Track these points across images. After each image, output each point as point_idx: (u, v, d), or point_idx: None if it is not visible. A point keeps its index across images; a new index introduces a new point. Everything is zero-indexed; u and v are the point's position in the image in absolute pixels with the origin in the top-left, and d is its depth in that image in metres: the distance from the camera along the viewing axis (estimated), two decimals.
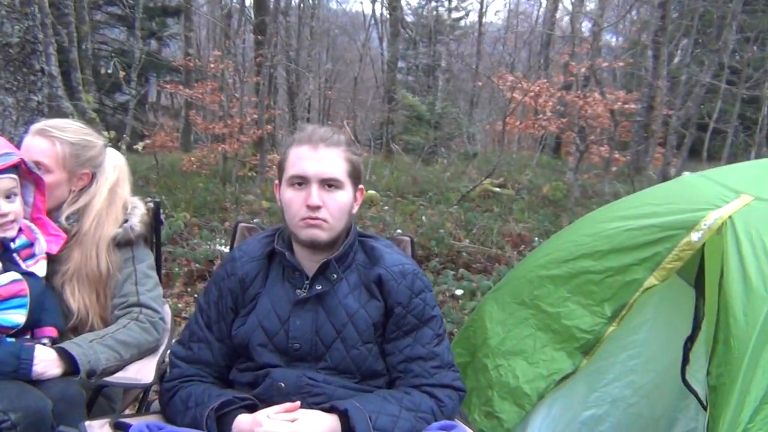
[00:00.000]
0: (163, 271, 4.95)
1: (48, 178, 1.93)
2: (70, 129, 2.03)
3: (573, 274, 2.21)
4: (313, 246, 1.69)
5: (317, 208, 1.64)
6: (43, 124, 2.00)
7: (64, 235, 1.90)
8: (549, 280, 2.27)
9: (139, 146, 7.62)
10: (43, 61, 4.64)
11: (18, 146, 1.95)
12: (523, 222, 7.71)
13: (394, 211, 7.91)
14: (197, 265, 5.12)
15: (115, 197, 2.06)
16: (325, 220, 1.66)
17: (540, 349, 2.21)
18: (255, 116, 11.12)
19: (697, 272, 2.24)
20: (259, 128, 10.65)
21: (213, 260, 5.13)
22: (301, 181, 1.67)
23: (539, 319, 2.25)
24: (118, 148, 7.28)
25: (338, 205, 1.68)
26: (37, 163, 1.92)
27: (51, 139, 1.96)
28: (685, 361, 2.29)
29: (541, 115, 11.54)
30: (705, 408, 1.86)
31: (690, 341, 2.27)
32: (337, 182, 1.68)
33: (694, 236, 1.94)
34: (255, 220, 6.83)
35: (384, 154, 16.52)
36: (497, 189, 10.20)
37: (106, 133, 6.79)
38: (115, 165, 2.12)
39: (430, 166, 15.59)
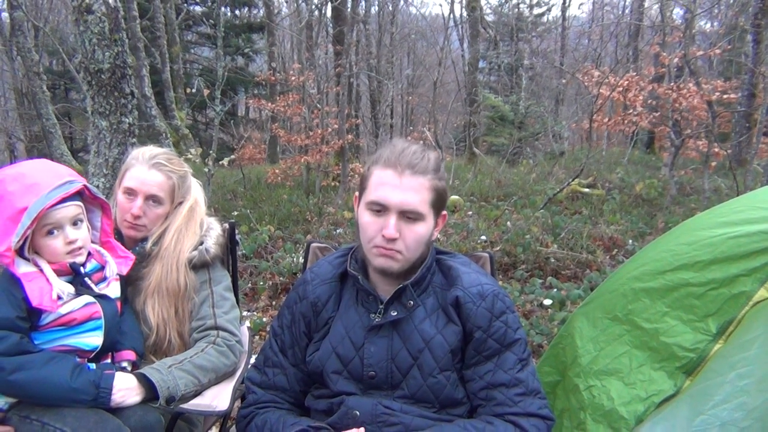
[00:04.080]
0: (248, 285, 5.09)
1: (159, 210, 2.04)
2: (175, 161, 2.11)
3: (671, 287, 2.03)
4: (384, 274, 1.64)
5: (393, 239, 1.58)
6: (154, 156, 2.06)
7: (133, 257, 1.94)
8: (644, 294, 2.10)
9: (225, 161, 7.84)
10: (132, 84, 4.84)
11: (112, 167, 2.04)
12: (615, 224, 7.40)
13: (477, 217, 7.77)
14: (281, 278, 5.18)
15: (193, 214, 2.11)
16: (399, 252, 1.60)
17: (637, 368, 2.05)
18: (336, 126, 11.23)
19: None
20: (340, 138, 10.75)
21: (296, 273, 5.17)
22: (380, 208, 1.60)
23: (635, 336, 2.09)
24: (205, 164, 7.54)
25: (416, 237, 1.61)
26: (154, 197, 2.02)
27: (167, 174, 2.04)
28: None
29: (631, 111, 11.03)
30: None
31: None
32: (418, 215, 1.60)
33: None
34: (337, 231, 6.89)
35: (467, 157, 16.34)
36: (586, 189, 9.86)
37: (193, 151, 7.03)
38: (193, 188, 2.18)
39: (515, 167, 15.27)
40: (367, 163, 1.72)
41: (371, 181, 1.63)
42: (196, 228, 2.08)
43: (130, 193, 2.01)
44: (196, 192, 2.16)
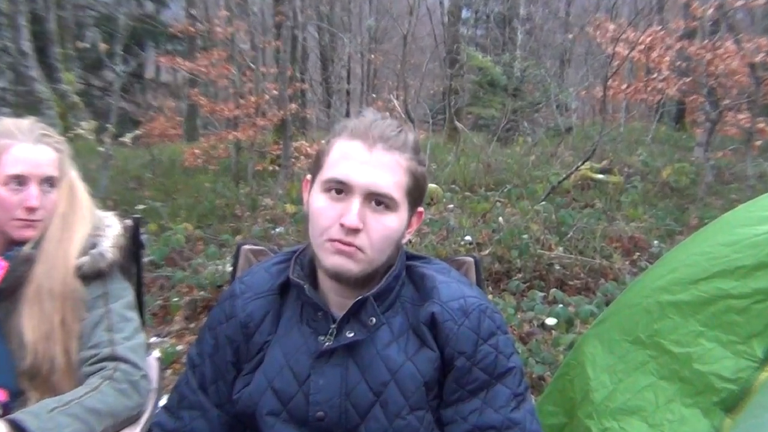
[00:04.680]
0: (158, 302, 5.04)
1: (54, 195, 2.01)
2: (51, 129, 2.08)
3: (707, 300, 2.07)
4: (338, 279, 1.61)
5: (355, 231, 1.55)
6: (32, 128, 2.02)
7: (4, 264, 1.90)
8: (674, 309, 2.13)
9: (128, 138, 7.72)
10: (7, 37, 4.72)
11: None
12: (637, 220, 7.51)
13: (460, 211, 7.81)
14: (202, 292, 5.15)
15: (75, 192, 2.08)
16: (361, 249, 1.57)
17: (664, 405, 2.08)
18: (276, 92, 11.17)
19: None
20: (280, 108, 10.70)
21: (222, 285, 5.14)
22: (340, 188, 1.57)
23: (662, 364, 2.12)
24: (102, 141, 7.43)
25: (384, 233, 1.58)
26: (50, 179, 2.00)
27: (55, 147, 2.02)
28: None
29: (655, 75, 11.22)
30: None
31: None
32: (390, 201, 1.58)
33: None
34: (277, 230, 6.86)
35: (447, 134, 16.46)
36: (600, 176, 10.00)
37: (85, 124, 6.92)
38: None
39: (509, 147, 15.43)
40: (327, 137, 1.69)
41: (331, 156, 1.61)
42: (83, 211, 2.06)
43: (19, 181, 1.96)
44: (71, 166, 2.14)
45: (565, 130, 16.03)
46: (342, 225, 1.54)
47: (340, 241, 1.55)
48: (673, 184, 9.99)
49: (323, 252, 1.59)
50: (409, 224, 1.68)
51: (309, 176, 1.69)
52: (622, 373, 2.18)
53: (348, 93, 22.71)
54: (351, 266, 1.57)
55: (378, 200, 1.57)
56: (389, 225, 1.59)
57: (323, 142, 1.69)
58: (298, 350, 1.67)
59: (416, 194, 1.65)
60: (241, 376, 1.72)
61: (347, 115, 18.97)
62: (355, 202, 1.54)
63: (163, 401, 1.95)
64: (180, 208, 8.06)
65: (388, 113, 1.71)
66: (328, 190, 1.58)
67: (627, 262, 6.02)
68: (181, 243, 6.03)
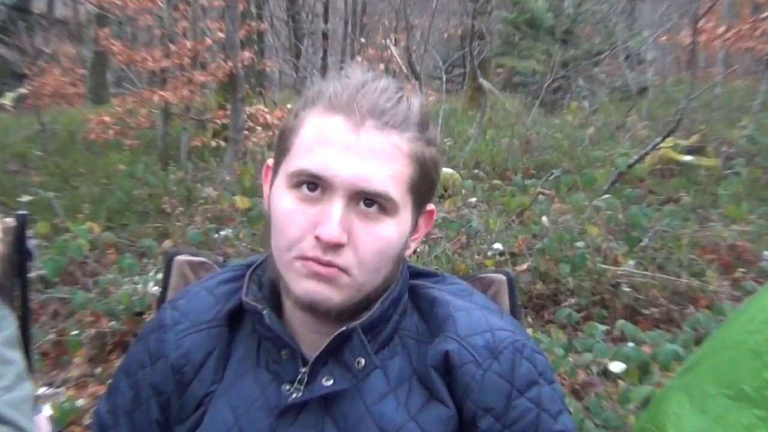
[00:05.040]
0: (51, 336, 5.03)
1: None
2: None
3: None
4: (313, 310, 1.57)
5: (336, 246, 1.51)
6: None
7: None
8: None
9: (7, 100, 7.74)
10: None
11: None
12: (741, 222, 7.51)
13: (488, 208, 7.81)
14: (114, 322, 5.17)
15: None
16: (345, 271, 1.53)
17: None
18: (222, 35, 11.18)
19: None
20: (228, 57, 10.70)
21: (144, 313, 5.15)
22: (315, 184, 1.52)
23: None
24: None
25: (377, 246, 1.55)
26: None
27: None
28: None
29: (766, 14, 11.27)
30: None
31: None
32: (385, 201, 1.53)
33: None
34: (222, 233, 6.85)
35: (468, 96, 16.45)
36: (688, 158, 10.02)
37: None
38: None
39: (557, 116, 15.44)
40: (295, 106, 1.65)
41: (301, 137, 1.57)
42: None
43: None
44: None
45: (638, 92, 16.05)
46: (318, 237, 1.48)
47: (315, 261, 1.51)
48: None
49: (291, 273, 1.55)
50: (414, 230, 1.66)
51: (270, 161, 1.68)
52: None
53: (325, 36, 22.68)
54: (331, 295, 1.53)
55: (369, 200, 1.52)
56: (385, 235, 1.55)
57: (290, 111, 1.65)
58: (252, 404, 1.65)
59: (424, 188, 1.61)
60: None
61: (324, 70, 18.96)
62: (337, 206, 1.49)
63: None
64: (82, 200, 8.05)
65: (382, 68, 1.68)
66: (297, 185, 1.53)
67: (726, 282, 6.02)
68: (84, 251, 6.01)
